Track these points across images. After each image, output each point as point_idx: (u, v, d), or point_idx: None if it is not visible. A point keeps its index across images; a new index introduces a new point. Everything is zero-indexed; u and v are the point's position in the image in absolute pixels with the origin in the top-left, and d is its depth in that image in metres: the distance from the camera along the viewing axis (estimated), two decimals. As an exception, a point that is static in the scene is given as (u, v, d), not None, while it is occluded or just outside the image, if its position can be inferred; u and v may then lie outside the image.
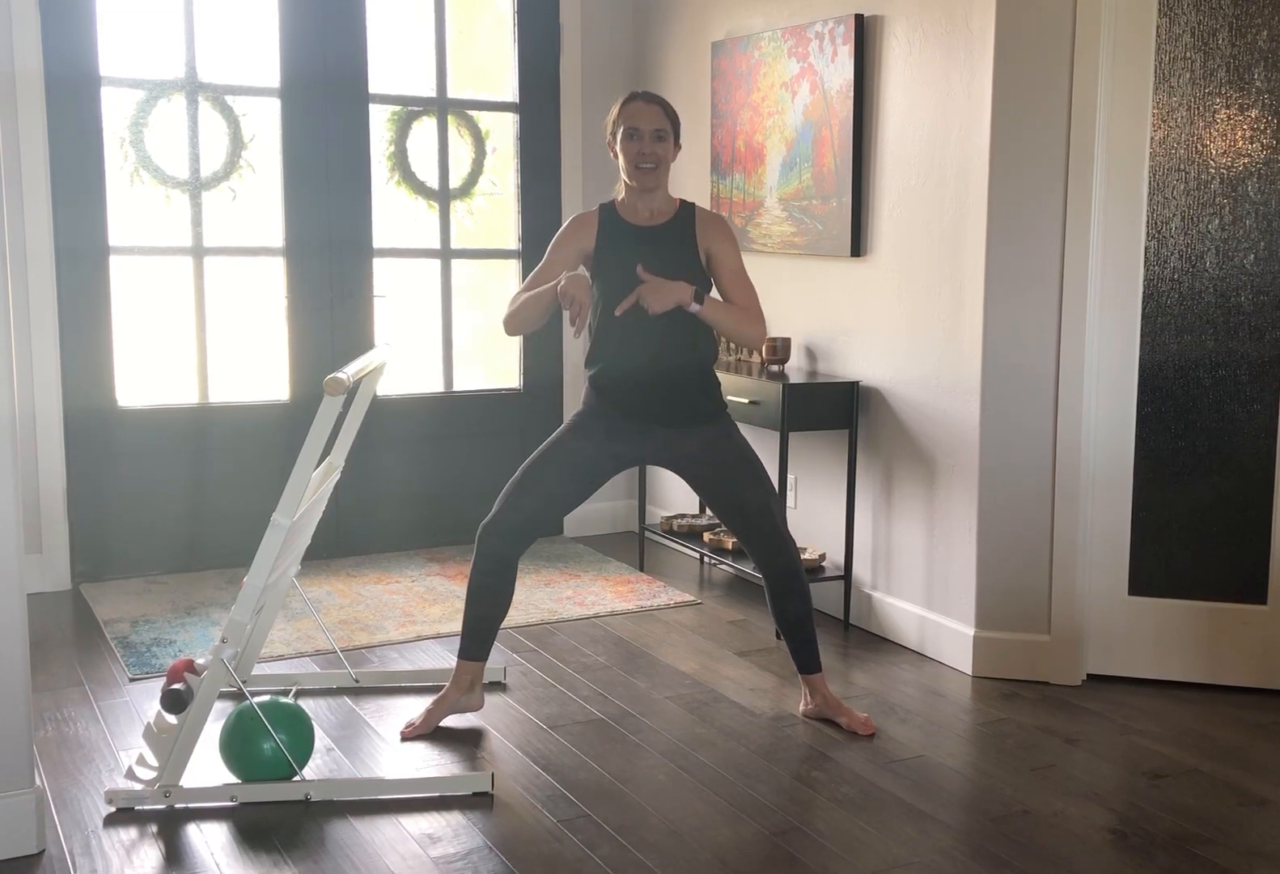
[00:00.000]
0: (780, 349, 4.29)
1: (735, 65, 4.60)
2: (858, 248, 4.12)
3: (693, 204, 3.29)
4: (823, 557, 4.24)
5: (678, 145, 3.23)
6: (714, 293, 3.26)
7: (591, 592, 4.57)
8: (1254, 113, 3.44)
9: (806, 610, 3.33)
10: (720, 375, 4.10)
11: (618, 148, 3.19)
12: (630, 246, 3.19)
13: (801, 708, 3.44)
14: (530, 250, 5.23)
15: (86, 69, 4.46)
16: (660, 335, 3.14)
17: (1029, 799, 2.93)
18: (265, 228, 4.82)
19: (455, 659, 3.34)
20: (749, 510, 3.26)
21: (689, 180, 4.92)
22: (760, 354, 4.41)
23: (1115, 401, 3.60)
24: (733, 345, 4.61)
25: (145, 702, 3.49)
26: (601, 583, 4.68)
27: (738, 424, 3.39)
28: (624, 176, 3.21)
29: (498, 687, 3.60)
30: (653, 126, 3.14)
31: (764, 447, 4.48)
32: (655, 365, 3.18)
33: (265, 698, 3.02)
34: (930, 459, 3.90)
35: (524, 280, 5.10)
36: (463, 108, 5.11)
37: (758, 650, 3.97)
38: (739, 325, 3.19)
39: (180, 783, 2.85)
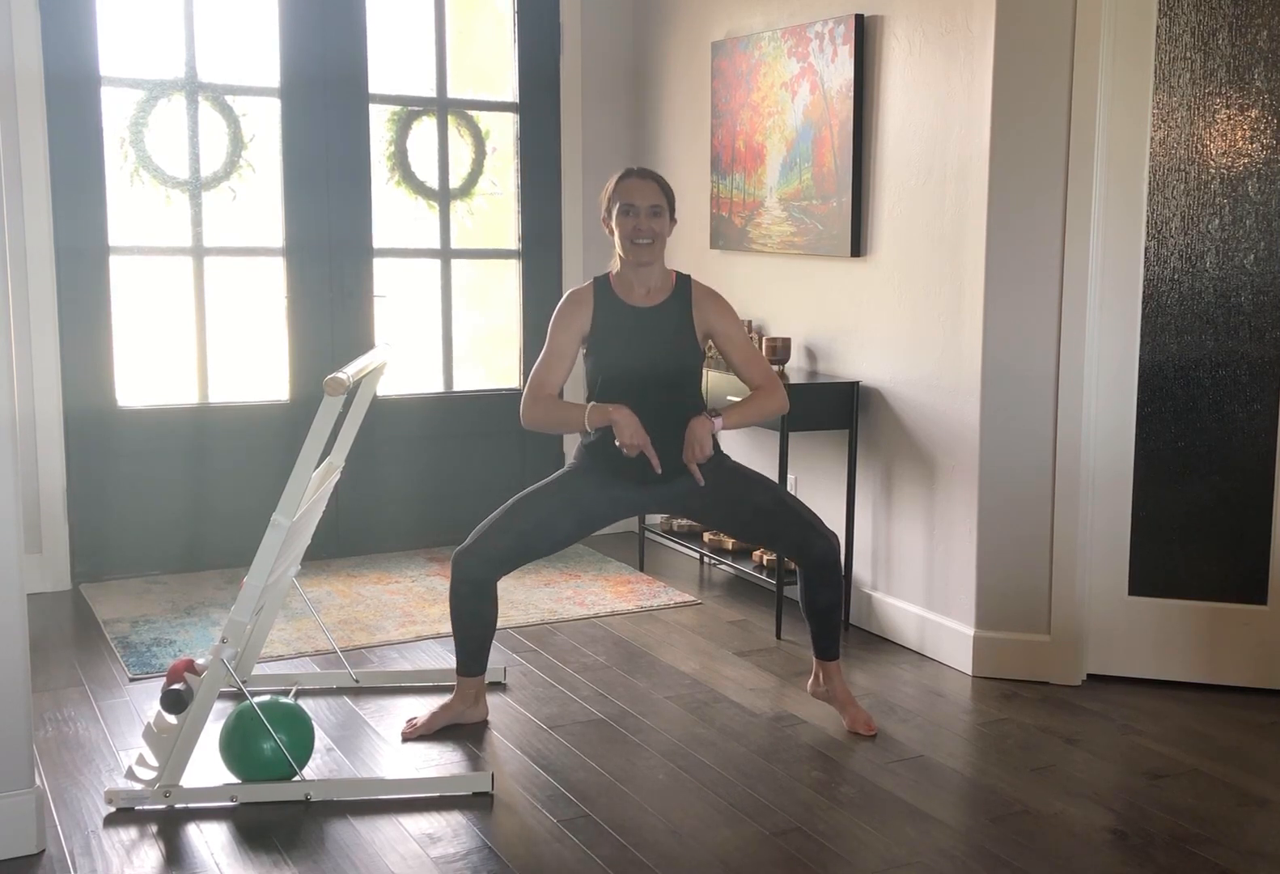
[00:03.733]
0: (780, 349, 4.29)
1: (735, 65, 4.60)
2: (858, 248, 4.12)
3: (688, 278, 3.30)
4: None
5: (673, 220, 3.24)
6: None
7: (591, 592, 4.57)
8: (1254, 113, 3.44)
9: (838, 599, 3.33)
10: (719, 375, 4.12)
11: (613, 223, 3.20)
12: (627, 328, 3.22)
13: (809, 686, 3.45)
14: (530, 251, 5.23)
15: (86, 69, 4.46)
16: (659, 404, 3.16)
17: (1029, 799, 2.93)
18: (265, 228, 4.83)
19: (455, 659, 3.34)
20: (764, 510, 3.26)
21: (689, 181, 4.92)
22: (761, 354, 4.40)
23: (1115, 402, 3.60)
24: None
25: (145, 702, 3.49)
26: (601, 583, 4.68)
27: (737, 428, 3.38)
28: (619, 251, 3.21)
29: (498, 687, 3.60)
30: (649, 202, 3.16)
31: (764, 447, 4.48)
32: (654, 434, 3.15)
33: (265, 698, 3.02)
34: (930, 459, 3.91)
35: (524, 292, 5.16)
36: (463, 108, 5.11)
37: (758, 650, 3.97)
38: (762, 412, 3.29)
39: (180, 783, 2.85)
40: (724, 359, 3.33)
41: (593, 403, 3.17)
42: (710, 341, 3.31)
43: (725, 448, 4.00)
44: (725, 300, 3.32)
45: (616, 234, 3.21)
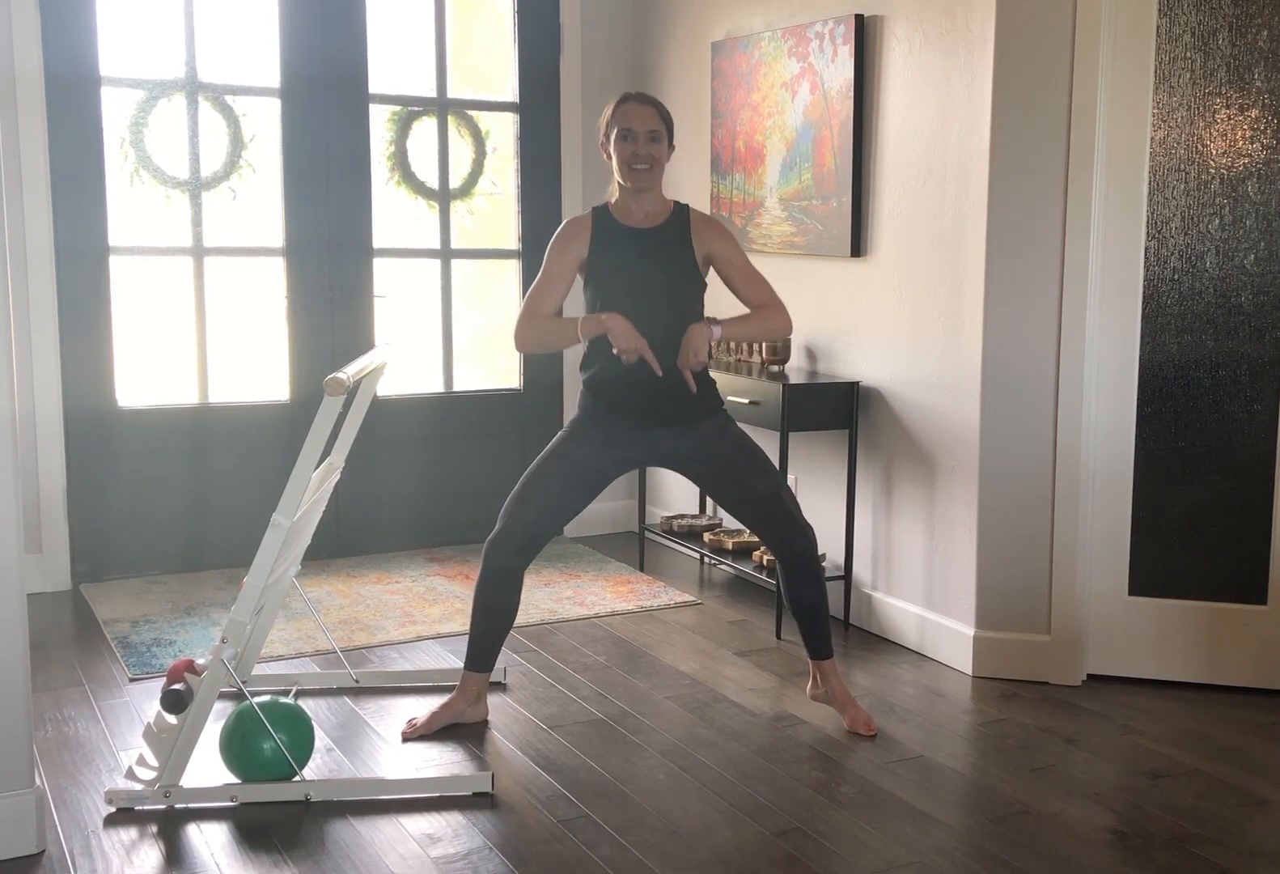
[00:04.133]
0: (780, 349, 4.29)
1: (735, 65, 4.60)
2: (858, 248, 4.12)
3: (686, 206, 3.29)
4: (823, 556, 4.23)
5: (672, 146, 3.23)
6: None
7: (591, 592, 4.57)
8: (1254, 113, 3.44)
9: (822, 596, 3.33)
10: (720, 375, 4.12)
11: (611, 149, 3.19)
12: (625, 249, 3.20)
13: (809, 690, 3.45)
14: (530, 250, 5.23)
15: (86, 69, 4.46)
16: (655, 337, 3.13)
17: (1029, 799, 2.93)
18: (265, 228, 4.82)
19: (456, 660, 3.34)
20: (758, 498, 3.26)
21: (689, 181, 4.92)
22: (761, 354, 4.41)
23: (1115, 402, 3.60)
24: (731, 345, 4.61)
25: (145, 702, 3.49)
26: (601, 583, 4.68)
27: (738, 423, 3.39)
28: (617, 177, 3.20)
29: (498, 687, 3.60)
30: (647, 127, 3.15)
31: (764, 446, 4.47)
32: (650, 366, 3.17)
33: (265, 698, 3.02)
34: (930, 459, 3.90)
35: (526, 291, 5.15)
36: (463, 108, 5.11)
37: (758, 650, 3.97)
38: (764, 327, 3.27)
39: (180, 783, 2.85)
40: (725, 282, 3.28)
41: (584, 314, 3.15)
42: (711, 267, 3.27)
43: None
44: (724, 226, 3.31)
45: (614, 160, 3.19)
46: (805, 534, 3.28)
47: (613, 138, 3.17)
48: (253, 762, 2.89)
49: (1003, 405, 3.66)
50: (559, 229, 3.27)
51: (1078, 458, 3.60)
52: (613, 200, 3.26)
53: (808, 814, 2.84)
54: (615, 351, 3.08)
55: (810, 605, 3.32)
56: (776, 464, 4.04)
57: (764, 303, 3.27)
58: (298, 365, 4.89)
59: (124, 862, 2.62)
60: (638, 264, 3.18)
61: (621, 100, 3.20)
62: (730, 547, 4.50)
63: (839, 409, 4.09)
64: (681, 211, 3.26)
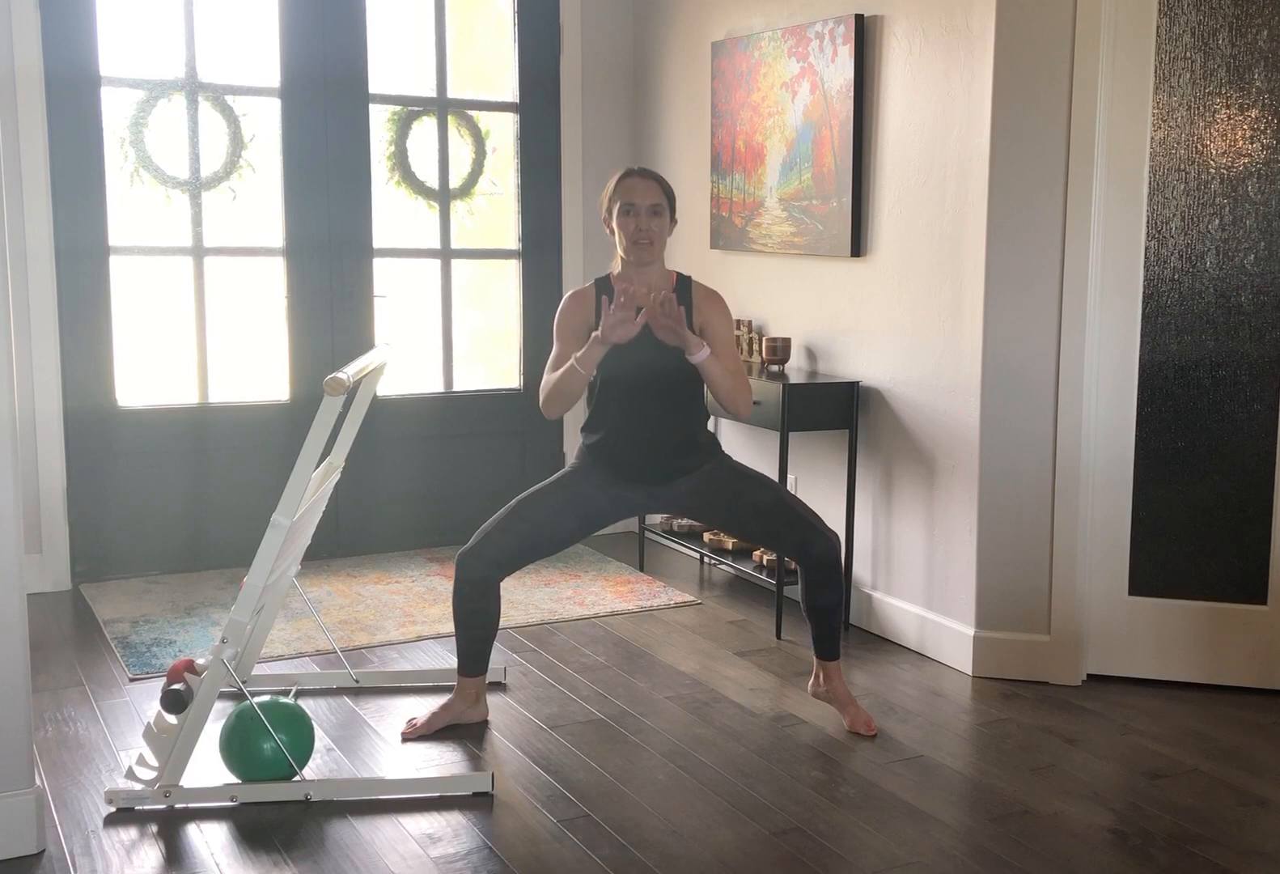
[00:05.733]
0: (780, 349, 4.29)
1: (735, 65, 4.60)
2: (858, 248, 4.12)
3: (689, 278, 3.31)
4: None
5: (674, 220, 3.25)
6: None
7: (591, 592, 4.57)
8: (1254, 113, 3.44)
9: (839, 600, 3.33)
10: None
11: (614, 223, 3.20)
12: None
13: (810, 687, 3.45)
14: (530, 251, 5.23)
15: (86, 69, 4.46)
16: (659, 404, 3.16)
17: (1029, 799, 2.93)
18: (265, 228, 4.83)
19: (455, 660, 3.34)
20: (764, 509, 3.26)
21: (689, 181, 4.92)
22: (761, 354, 4.41)
23: (1115, 401, 3.60)
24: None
25: (145, 702, 3.49)
26: (601, 583, 4.68)
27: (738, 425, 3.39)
28: (620, 251, 3.22)
29: (498, 687, 3.60)
30: (649, 202, 3.16)
31: (764, 447, 4.48)
32: (654, 435, 3.20)
33: (265, 698, 3.02)
34: (930, 459, 3.90)
35: (525, 289, 5.17)
36: (463, 108, 5.11)
37: (758, 650, 3.97)
38: (734, 385, 3.18)
39: (180, 783, 2.85)
40: None
41: (574, 355, 3.11)
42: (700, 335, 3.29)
43: (726, 447, 4.01)
44: (724, 302, 3.33)
45: (617, 234, 3.21)
46: (825, 537, 3.25)
47: (615, 212, 3.19)
48: (253, 762, 2.89)
49: (1003, 405, 3.66)
50: (562, 304, 3.28)
51: (1078, 458, 3.60)
52: (614, 273, 3.27)
53: (808, 814, 2.84)
54: (616, 339, 3.03)
55: (825, 608, 3.32)
56: (776, 464, 4.06)
57: (737, 373, 3.24)
58: (298, 365, 4.89)
59: (124, 862, 2.62)
60: (639, 345, 3.14)
61: (624, 175, 3.22)
62: (730, 546, 4.50)
63: (839, 409, 4.09)
64: (684, 285, 3.27)
